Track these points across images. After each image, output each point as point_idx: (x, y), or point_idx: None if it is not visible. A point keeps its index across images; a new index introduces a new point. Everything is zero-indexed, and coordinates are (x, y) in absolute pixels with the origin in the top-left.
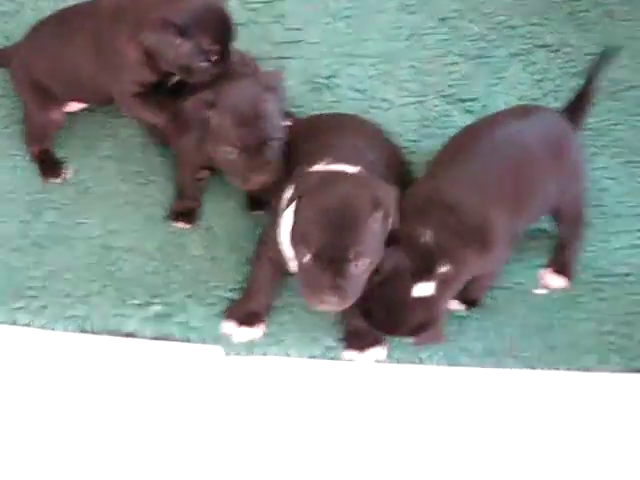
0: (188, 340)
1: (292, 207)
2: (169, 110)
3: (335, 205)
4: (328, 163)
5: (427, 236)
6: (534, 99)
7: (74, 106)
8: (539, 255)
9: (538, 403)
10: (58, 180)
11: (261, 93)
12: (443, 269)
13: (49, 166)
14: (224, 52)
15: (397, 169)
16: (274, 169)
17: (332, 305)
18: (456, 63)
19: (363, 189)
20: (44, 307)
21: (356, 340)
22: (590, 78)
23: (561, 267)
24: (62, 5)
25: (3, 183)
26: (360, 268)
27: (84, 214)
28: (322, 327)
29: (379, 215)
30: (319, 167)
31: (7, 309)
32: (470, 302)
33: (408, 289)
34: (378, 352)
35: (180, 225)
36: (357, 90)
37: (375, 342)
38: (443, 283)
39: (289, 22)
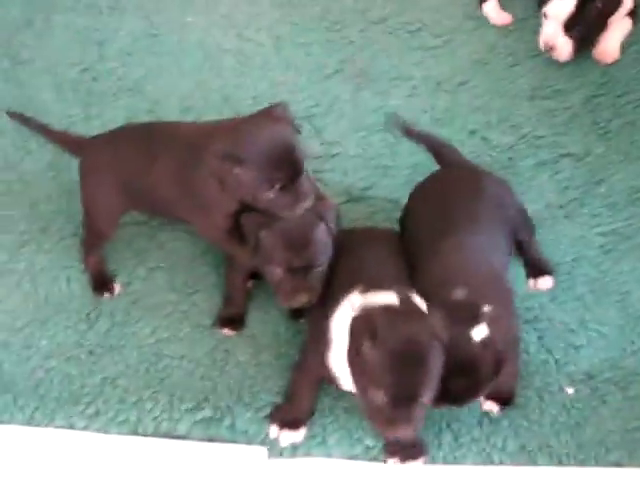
0: (235, 444)
1: (345, 331)
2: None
3: (404, 348)
4: (362, 292)
5: (459, 293)
6: (560, 206)
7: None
8: (567, 353)
9: None
10: (108, 295)
11: (313, 220)
12: (486, 309)
13: (101, 281)
14: (290, 181)
15: None
16: (315, 292)
17: (405, 437)
18: None
19: (421, 325)
20: (99, 412)
21: (398, 449)
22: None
23: (538, 269)
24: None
25: (59, 294)
26: (427, 400)
27: (135, 323)
28: (364, 427)
29: (439, 346)
30: (356, 297)
31: (65, 415)
32: (504, 401)
33: (469, 342)
34: (419, 464)
35: (226, 332)
36: (390, 201)
37: (418, 454)
38: (492, 321)
39: (326, 137)
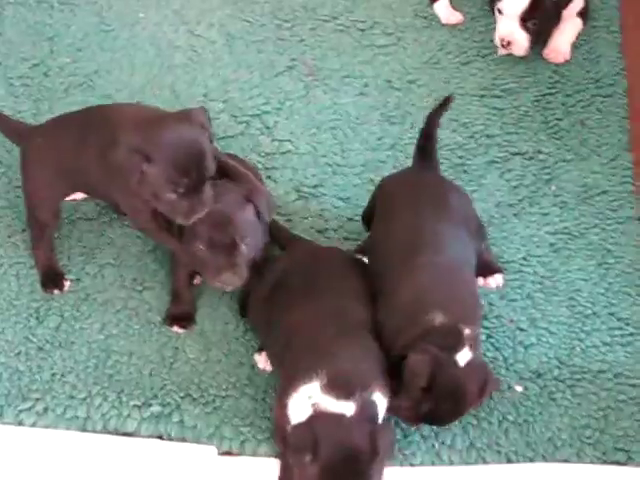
0: (183, 439)
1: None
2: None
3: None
4: (322, 389)
5: (438, 317)
6: (510, 205)
7: (78, 195)
8: (516, 351)
9: None
10: (57, 292)
11: (240, 200)
12: (467, 331)
13: (51, 277)
14: (193, 186)
15: None
16: (241, 273)
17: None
18: None
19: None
20: (47, 409)
21: None
22: (430, 121)
23: (488, 268)
24: None
25: (8, 290)
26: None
27: (85, 320)
28: None
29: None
30: (315, 391)
31: (13, 411)
32: None
33: (455, 368)
34: None
35: (176, 329)
36: (341, 199)
37: None
38: (473, 342)
39: (277, 134)
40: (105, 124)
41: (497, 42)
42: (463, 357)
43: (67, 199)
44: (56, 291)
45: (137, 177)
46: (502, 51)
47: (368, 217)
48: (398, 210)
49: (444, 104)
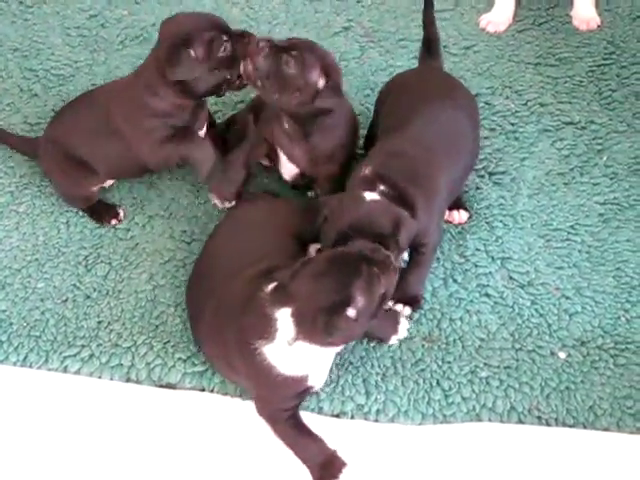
0: (226, 394)
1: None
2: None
3: None
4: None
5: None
6: (561, 173)
7: (108, 182)
8: (560, 319)
9: (557, 460)
10: (115, 222)
11: None
12: (382, 187)
13: (103, 211)
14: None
15: None
16: None
17: None
18: (487, 137)
19: None
20: (92, 356)
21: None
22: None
23: (457, 205)
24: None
25: (57, 238)
26: None
27: (133, 269)
28: (356, 385)
29: None
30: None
31: (59, 357)
32: (411, 303)
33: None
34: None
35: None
36: None
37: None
38: (384, 194)
39: None
40: (116, 93)
41: None
42: (371, 197)
43: (95, 188)
44: (114, 221)
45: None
46: None
47: (369, 132)
48: (406, 98)
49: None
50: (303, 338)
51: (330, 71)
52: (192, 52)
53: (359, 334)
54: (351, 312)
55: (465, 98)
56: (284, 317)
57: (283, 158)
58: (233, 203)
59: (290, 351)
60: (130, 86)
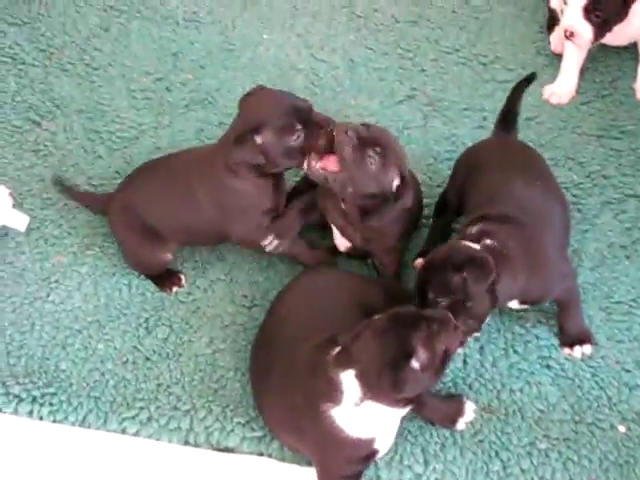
0: (283, 459)
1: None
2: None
3: None
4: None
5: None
6: (623, 246)
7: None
8: (620, 392)
9: None
10: (177, 288)
11: None
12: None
13: (166, 278)
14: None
15: None
16: None
17: None
18: None
19: None
20: (151, 418)
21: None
22: (514, 94)
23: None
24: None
25: (119, 299)
26: None
27: (194, 333)
28: (414, 454)
29: None
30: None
31: (117, 418)
32: (581, 339)
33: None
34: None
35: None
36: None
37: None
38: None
39: None
40: (197, 164)
41: (562, 33)
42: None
43: (169, 256)
44: (175, 288)
45: (257, 151)
46: (557, 48)
47: (443, 200)
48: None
49: (529, 78)
50: (370, 397)
51: (403, 169)
52: (258, 139)
53: (426, 388)
54: (415, 364)
55: (548, 170)
56: (349, 379)
57: (336, 232)
58: (286, 247)
59: (358, 412)
60: (211, 159)
